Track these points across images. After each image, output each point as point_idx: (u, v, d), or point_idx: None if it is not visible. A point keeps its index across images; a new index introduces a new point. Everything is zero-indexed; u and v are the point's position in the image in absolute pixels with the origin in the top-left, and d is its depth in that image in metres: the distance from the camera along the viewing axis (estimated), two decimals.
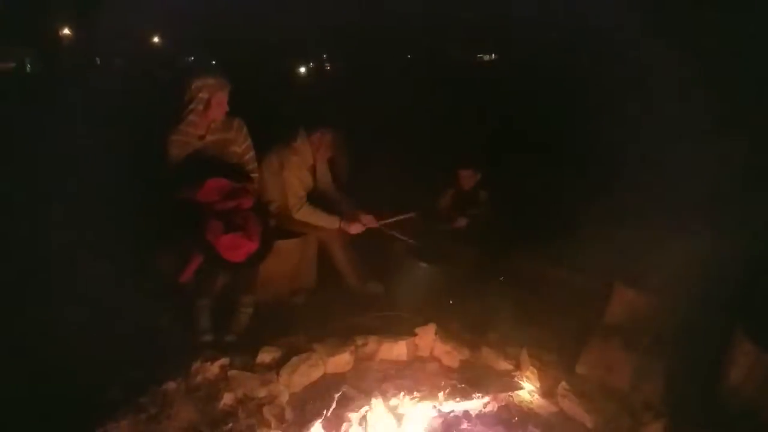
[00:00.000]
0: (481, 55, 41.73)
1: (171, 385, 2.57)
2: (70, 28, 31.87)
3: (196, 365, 2.72)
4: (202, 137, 3.39)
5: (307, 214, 3.88)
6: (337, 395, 2.67)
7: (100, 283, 3.19)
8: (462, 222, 4.26)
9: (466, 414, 2.57)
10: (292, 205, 3.87)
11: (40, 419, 2.36)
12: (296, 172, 3.85)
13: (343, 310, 3.61)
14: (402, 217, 4.03)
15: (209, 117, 3.36)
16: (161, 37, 38.18)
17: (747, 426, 2.36)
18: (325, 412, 2.54)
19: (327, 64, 40.16)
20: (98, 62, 27.15)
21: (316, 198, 3.98)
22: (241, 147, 3.55)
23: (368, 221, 3.96)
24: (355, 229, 3.92)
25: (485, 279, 3.86)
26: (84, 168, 4.78)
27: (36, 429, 2.36)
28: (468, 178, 4.45)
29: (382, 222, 4.00)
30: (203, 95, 3.29)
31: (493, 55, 40.79)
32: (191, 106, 3.30)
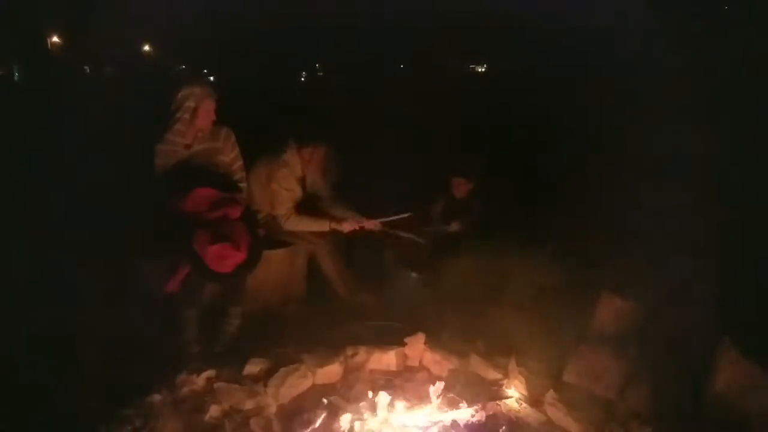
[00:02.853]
0: (473, 66, 42.07)
1: (156, 398, 2.55)
2: (59, 35, 31.73)
3: (181, 377, 2.71)
4: (188, 146, 3.38)
5: (295, 224, 3.88)
6: (325, 407, 2.68)
7: (84, 292, 3.16)
8: (454, 227, 4.26)
9: (455, 423, 2.58)
10: (281, 217, 3.86)
11: None
12: (284, 184, 3.85)
13: (332, 321, 3.60)
14: (396, 217, 4.04)
15: (196, 126, 3.35)
16: (153, 44, 38.05)
17: None
18: (312, 425, 2.53)
19: (320, 72, 40.27)
20: (87, 70, 27.01)
21: (311, 204, 3.98)
22: (229, 156, 3.55)
23: (365, 221, 3.98)
24: (349, 226, 3.91)
25: (475, 288, 3.85)
26: (69, 177, 4.73)
27: None
28: (460, 185, 4.44)
29: (380, 221, 4.01)
30: (189, 104, 3.29)
31: (485, 66, 41.15)
32: (177, 115, 3.29)
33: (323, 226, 3.90)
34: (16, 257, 3.57)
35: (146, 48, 38.09)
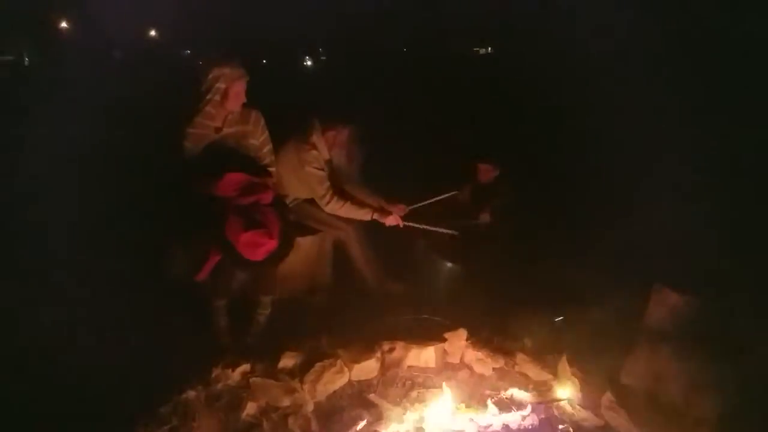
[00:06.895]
0: (477, 49, 41.47)
1: (191, 394, 2.40)
2: (69, 19, 31.56)
3: (216, 372, 2.56)
4: (218, 129, 3.22)
5: (337, 207, 3.70)
6: (364, 407, 2.53)
7: (113, 285, 3.01)
8: (486, 217, 4.09)
9: (506, 428, 2.42)
10: (321, 197, 3.70)
11: None
12: (316, 164, 3.69)
13: (364, 312, 3.43)
14: (437, 198, 3.93)
15: (226, 108, 3.18)
16: (160, 30, 37.79)
17: None
18: (354, 426, 2.38)
19: (323, 56, 40.00)
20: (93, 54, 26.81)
21: (337, 188, 3.82)
22: (259, 140, 3.38)
23: (400, 210, 3.82)
24: (392, 221, 3.75)
25: (515, 279, 3.67)
26: (93, 163, 4.57)
27: None
28: (486, 171, 4.29)
29: (416, 206, 3.90)
30: (220, 85, 3.11)
31: (489, 48, 40.56)
32: (208, 97, 3.13)
33: (366, 215, 3.73)
34: (37, 250, 3.43)
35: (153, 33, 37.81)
